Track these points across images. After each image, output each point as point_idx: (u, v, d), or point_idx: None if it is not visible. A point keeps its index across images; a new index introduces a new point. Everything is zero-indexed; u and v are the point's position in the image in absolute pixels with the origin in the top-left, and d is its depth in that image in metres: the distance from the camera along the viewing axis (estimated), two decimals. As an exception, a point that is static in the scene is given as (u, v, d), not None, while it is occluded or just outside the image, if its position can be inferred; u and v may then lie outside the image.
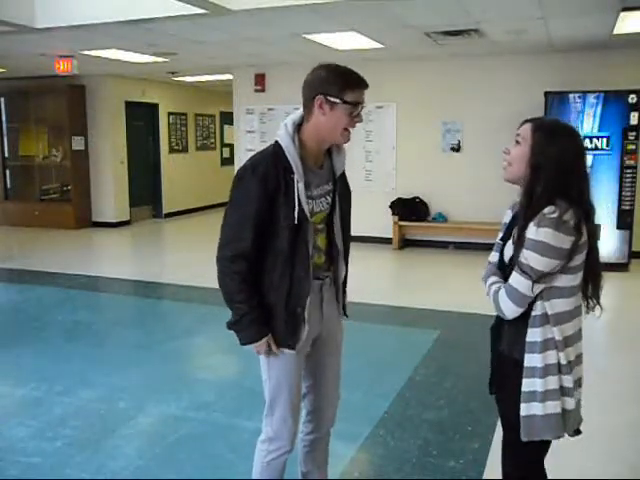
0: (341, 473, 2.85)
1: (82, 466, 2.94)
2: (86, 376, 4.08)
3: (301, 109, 2.04)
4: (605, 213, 7.01)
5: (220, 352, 4.76)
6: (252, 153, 2.08)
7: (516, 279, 1.78)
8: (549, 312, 1.78)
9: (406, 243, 8.81)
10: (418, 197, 8.59)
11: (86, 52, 7.63)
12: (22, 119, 10.90)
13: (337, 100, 1.94)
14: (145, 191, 11.62)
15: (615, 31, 6.24)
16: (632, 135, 6.98)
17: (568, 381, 1.78)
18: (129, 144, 10.96)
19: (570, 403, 1.79)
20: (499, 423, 2.07)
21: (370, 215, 8.42)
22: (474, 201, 8.26)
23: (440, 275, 7.22)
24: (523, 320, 1.81)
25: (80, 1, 5.70)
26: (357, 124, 2.02)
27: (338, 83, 1.94)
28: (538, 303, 1.79)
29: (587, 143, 6.94)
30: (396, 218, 8.56)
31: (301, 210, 1.97)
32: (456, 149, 8.46)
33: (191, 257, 8.06)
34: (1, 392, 3.94)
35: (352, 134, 2.05)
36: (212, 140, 13.42)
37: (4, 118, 11.18)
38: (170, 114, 11.92)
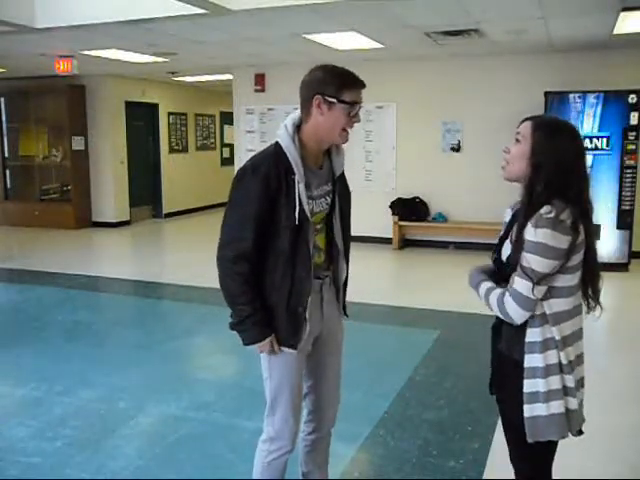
0: (341, 473, 2.85)
1: (82, 466, 2.94)
2: (86, 376, 4.07)
3: (299, 110, 2.04)
4: (605, 213, 7.02)
5: (220, 352, 4.76)
6: (252, 153, 2.09)
7: (520, 283, 1.74)
8: (547, 312, 1.77)
9: (406, 243, 8.81)
10: (418, 197, 8.59)
11: (86, 52, 7.63)
12: (22, 119, 10.90)
13: (334, 100, 1.94)
14: (145, 191, 11.62)
15: (615, 31, 6.24)
16: (632, 135, 6.98)
17: (570, 381, 1.78)
18: (129, 144, 10.96)
19: (573, 403, 1.79)
20: (499, 423, 2.06)
21: (370, 215, 8.42)
22: (474, 201, 8.26)
23: (440, 275, 7.21)
24: (522, 320, 1.81)
25: (80, 1, 5.70)
26: (356, 124, 2.03)
27: (335, 83, 1.95)
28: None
29: (587, 143, 6.93)
30: (396, 218, 8.56)
31: (302, 210, 1.98)
32: (456, 149, 8.45)
33: (191, 257, 8.06)
34: (1, 392, 3.94)
35: (352, 134, 2.06)
36: (212, 140, 13.42)
37: (4, 118, 11.18)
38: (170, 114, 11.92)
